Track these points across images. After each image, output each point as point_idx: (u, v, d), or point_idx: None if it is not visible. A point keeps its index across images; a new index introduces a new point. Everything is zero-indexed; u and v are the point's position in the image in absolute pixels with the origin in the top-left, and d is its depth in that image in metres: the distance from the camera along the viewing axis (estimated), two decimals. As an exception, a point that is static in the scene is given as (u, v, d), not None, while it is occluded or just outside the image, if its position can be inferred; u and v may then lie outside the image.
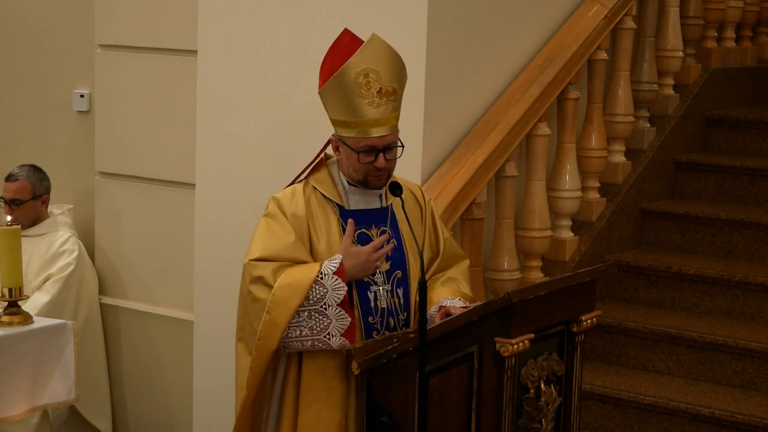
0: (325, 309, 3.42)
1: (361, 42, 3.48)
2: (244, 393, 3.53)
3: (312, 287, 3.41)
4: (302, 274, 3.43)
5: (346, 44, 3.49)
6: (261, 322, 3.43)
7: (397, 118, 3.51)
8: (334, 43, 3.52)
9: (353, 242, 3.48)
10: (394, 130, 3.51)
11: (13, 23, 6.11)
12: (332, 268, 3.43)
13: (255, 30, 4.63)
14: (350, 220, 3.48)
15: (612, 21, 5.01)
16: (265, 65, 4.61)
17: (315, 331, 3.43)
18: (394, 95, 3.48)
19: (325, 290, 3.42)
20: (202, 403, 4.89)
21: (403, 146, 3.55)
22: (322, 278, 3.42)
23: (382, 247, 3.49)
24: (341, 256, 3.45)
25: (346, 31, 3.53)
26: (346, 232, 3.47)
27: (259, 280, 3.46)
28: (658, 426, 4.56)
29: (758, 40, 6.45)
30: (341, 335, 3.43)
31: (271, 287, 3.43)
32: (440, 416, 3.41)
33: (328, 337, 3.43)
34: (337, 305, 3.42)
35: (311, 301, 3.42)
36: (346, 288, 3.43)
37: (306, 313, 3.43)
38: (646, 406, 4.57)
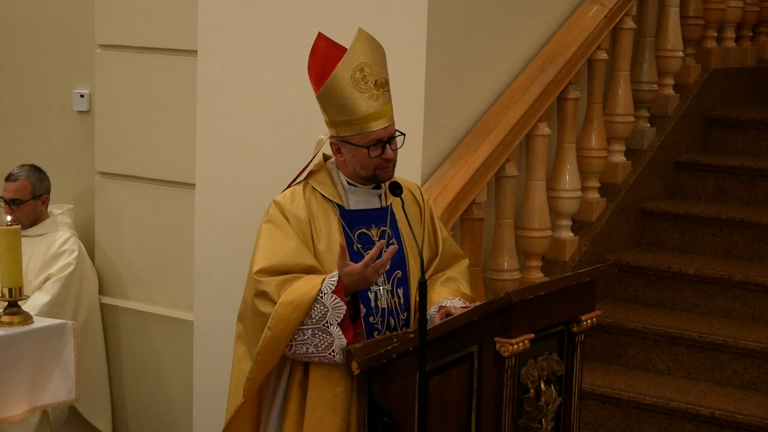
0: (327, 327, 3.43)
1: (336, 45, 3.53)
2: (241, 399, 3.54)
3: (313, 305, 3.42)
4: (304, 291, 3.43)
5: (323, 48, 3.55)
6: (262, 337, 3.44)
7: (392, 108, 3.55)
8: (312, 50, 3.56)
9: (347, 263, 3.43)
10: (393, 120, 3.54)
11: (13, 23, 6.11)
12: (331, 287, 3.42)
13: (255, 30, 4.63)
14: (342, 245, 3.45)
15: (612, 21, 5.01)
16: (265, 65, 4.61)
17: (320, 349, 3.44)
18: (386, 86, 3.52)
19: (325, 309, 3.42)
20: (202, 403, 4.89)
21: (404, 134, 3.56)
22: (322, 297, 3.42)
23: (380, 256, 3.43)
24: (338, 273, 3.44)
25: (320, 36, 3.57)
26: (339, 255, 3.43)
27: (264, 295, 3.46)
28: (658, 426, 4.56)
29: (758, 40, 6.45)
30: (345, 354, 3.43)
31: (275, 303, 3.44)
32: (440, 416, 3.41)
33: (332, 354, 3.44)
34: (338, 324, 3.42)
35: (314, 319, 3.43)
36: (345, 307, 3.42)
37: (310, 332, 3.44)
38: (646, 406, 4.57)
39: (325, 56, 3.51)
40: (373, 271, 3.41)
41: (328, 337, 3.43)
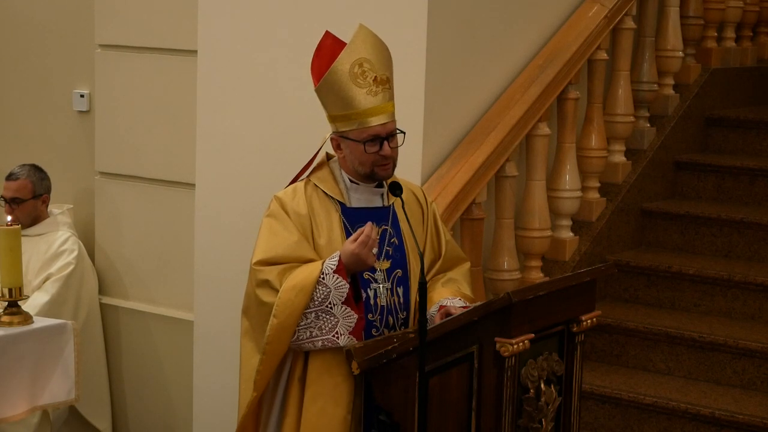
0: (331, 308, 3.44)
1: (342, 43, 3.54)
2: (252, 393, 3.54)
3: (316, 288, 3.42)
4: (305, 275, 3.44)
5: (329, 46, 3.56)
6: (269, 326, 3.44)
7: (393, 106, 3.55)
8: (318, 47, 3.57)
9: (353, 240, 3.46)
10: (393, 118, 3.54)
11: (13, 23, 6.11)
12: (332, 267, 3.44)
13: (255, 30, 4.63)
14: (370, 223, 3.46)
15: (612, 21, 5.01)
16: (265, 65, 4.61)
17: (324, 331, 3.45)
18: (388, 83, 3.52)
19: (328, 290, 3.43)
20: (202, 403, 4.89)
21: (404, 132, 3.56)
22: (324, 278, 3.43)
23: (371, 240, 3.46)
24: (340, 253, 3.45)
25: (327, 34, 3.58)
26: (356, 232, 3.45)
27: (265, 284, 3.47)
28: (658, 426, 4.56)
29: (758, 40, 6.45)
30: (349, 333, 3.43)
31: (277, 291, 3.44)
32: (440, 416, 3.41)
33: (336, 335, 3.44)
34: (342, 303, 3.43)
35: (316, 302, 3.43)
36: (347, 286, 3.43)
37: (313, 315, 3.44)
38: (646, 406, 4.57)
39: (330, 54, 3.52)
40: (367, 251, 3.41)
41: (331, 318, 3.43)
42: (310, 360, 3.51)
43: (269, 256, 3.49)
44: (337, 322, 3.44)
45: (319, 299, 3.43)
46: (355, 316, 3.44)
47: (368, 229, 3.43)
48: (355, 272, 3.48)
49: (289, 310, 3.43)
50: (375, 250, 3.46)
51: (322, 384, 3.48)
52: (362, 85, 3.47)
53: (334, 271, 3.43)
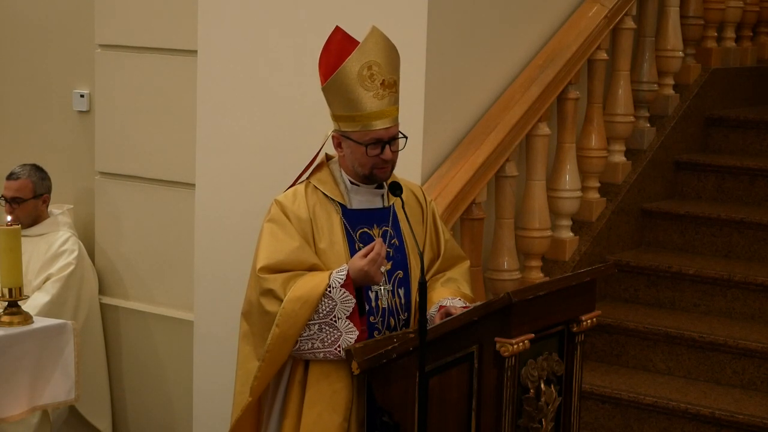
0: (335, 322, 3.43)
1: (352, 39, 3.53)
2: (248, 398, 3.54)
3: (321, 300, 3.42)
4: (311, 287, 3.43)
5: (339, 41, 3.54)
6: (270, 335, 3.44)
7: (397, 110, 3.54)
8: (327, 41, 3.56)
9: (362, 256, 3.45)
10: (396, 122, 3.54)
11: (13, 23, 6.11)
12: (340, 281, 3.43)
13: (255, 30, 4.63)
14: (380, 240, 3.46)
15: (612, 21, 5.01)
16: (265, 65, 4.61)
17: (326, 344, 3.44)
18: (395, 87, 3.52)
19: (334, 303, 3.43)
20: (202, 403, 4.89)
21: (406, 137, 3.56)
22: (330, 291, 3.42)
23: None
24: (348, 267, 3.44)
25: (338, 29, 3.57)
26: (366, 248, 3.44)
27: (270, 293, 3.46)
28: (658, 426, 4.56)
29: (758, 40, 6.45)
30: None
31: (281, 300, 3.44)
32: (440, 416, 3.41)
33: (338, 349, 3.44)
34: (347, 317, 3.42)
35: (321, 314, 3.43)
36: (354, 301, 3.43)
37: (317, 326, 3.44)
38: (646, 406, 4.57)
39: (339, 49, 3.50)
40: (376, 268, 3.41)
41: (335, 331, 3.43)
42: (311, 364, 3.51)
43: (272, 262, 3.48)
44: (340, 336, 3.43)
45: (324, 312, 3.43)
46: (357, 331, 3.44)
47: (378, 247, 3.42)
48: (361, 287, 3.48)
49: (292, 321, 3.42)
50: (383, 268, 3.46)
51: (320, 390, 3.48)
52: (369, 88, 3.46)
53: (342, 285, 3.42)
